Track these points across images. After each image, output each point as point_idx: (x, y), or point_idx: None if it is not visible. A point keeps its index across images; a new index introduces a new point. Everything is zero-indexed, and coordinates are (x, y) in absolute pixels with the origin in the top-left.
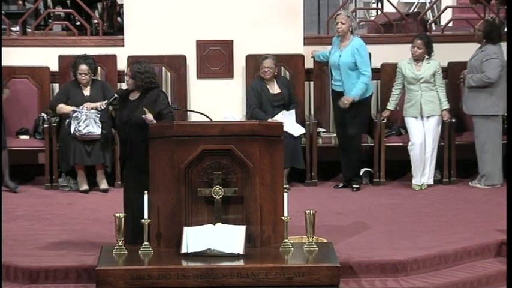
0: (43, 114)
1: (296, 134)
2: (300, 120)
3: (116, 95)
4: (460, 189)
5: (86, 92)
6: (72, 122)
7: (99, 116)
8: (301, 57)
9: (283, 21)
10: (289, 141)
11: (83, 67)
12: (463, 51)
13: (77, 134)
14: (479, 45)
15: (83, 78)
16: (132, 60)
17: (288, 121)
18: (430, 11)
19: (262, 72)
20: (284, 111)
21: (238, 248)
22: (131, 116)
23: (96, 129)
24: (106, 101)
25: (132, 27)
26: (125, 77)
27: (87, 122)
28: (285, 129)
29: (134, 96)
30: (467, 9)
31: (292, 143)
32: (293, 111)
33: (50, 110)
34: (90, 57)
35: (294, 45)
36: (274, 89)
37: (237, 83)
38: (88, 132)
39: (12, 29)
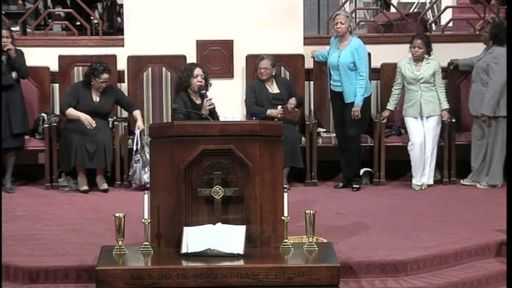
0: (43, 114)
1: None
2: (300, 120)
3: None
4: (460, 189)
5: (96, 97)
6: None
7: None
8: (301, 57)
9: (283, 21)
10: (289, 141)
11: (105, 76)
12: (463, 51)
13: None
14: (478, 45)
15: (103, 86)
16: (133, 61)
17: None
18: (430, 11)
19: (259, 73)
20: None
21: (238, 248)
22: (214, 116)
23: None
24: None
25: (132, 27)
26: (197, 79)
27: (145, 166)
28: None
29: (197, 98)
30: (467, 9)
31: (292, 142)
32: None
33: (61, 114)
34: (104, 62)
35: (294, 45)
36: (273, 88)
37: (237, 83)
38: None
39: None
